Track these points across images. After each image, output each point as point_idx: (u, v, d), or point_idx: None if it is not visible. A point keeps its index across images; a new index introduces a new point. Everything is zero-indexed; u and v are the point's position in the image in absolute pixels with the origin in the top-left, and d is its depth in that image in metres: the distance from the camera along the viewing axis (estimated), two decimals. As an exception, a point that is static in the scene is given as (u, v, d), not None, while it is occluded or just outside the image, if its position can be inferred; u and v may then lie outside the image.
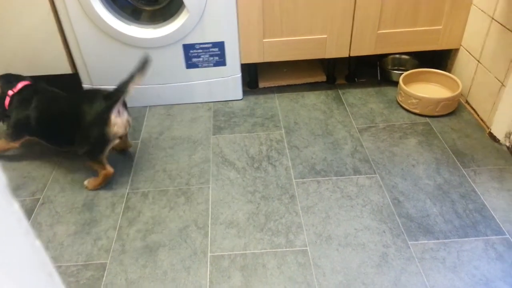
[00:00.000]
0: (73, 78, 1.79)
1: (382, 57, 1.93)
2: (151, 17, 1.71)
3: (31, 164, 1.53)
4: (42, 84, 1.49)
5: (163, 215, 1.32)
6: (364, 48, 1.77)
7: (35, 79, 1.53)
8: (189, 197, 1.38)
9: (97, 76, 1.76)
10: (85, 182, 1.43)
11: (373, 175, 1.42)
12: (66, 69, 1.77)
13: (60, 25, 1.66)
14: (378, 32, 1.73)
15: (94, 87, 1.78)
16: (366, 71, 1.97)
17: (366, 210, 1.30)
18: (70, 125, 1.35)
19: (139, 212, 1.33)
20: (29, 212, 1.35)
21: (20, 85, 1.44)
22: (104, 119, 1.30)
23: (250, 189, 1.40)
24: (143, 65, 1.32)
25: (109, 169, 1.40)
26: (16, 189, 1.44)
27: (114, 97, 1.31)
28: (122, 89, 1.30)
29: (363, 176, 1.42)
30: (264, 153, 1.55)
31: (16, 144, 1.48)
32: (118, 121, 1.33)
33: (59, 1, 1.57)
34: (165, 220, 1.30)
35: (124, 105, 1.38)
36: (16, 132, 1.45)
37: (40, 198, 1.40)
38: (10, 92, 1.43)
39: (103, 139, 1.33)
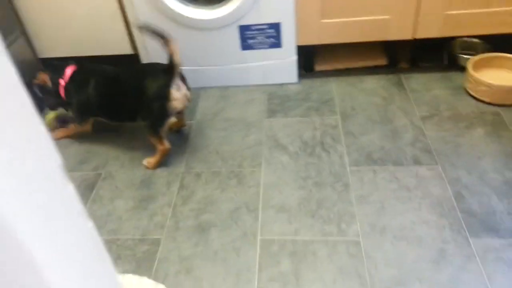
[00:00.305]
0: (127, 60, 1.84)
1: (450, 40, 1.79)
2: (208, -2, 1.71)
3: (95, 140, 1.61)
4: (89, 65, 1.51)
5: (215, 196, 1.34)
6: (431, 30, 1.65)
7: (79, 60, 1.54)
8: (241, 180, 1.38)
9: (156, 57, 1.80)
10: (144, 162, 1.47)
11: (434, 166, 1.35)
12: (127, 50, 1.83)
13: (122, 6, 1.70)
14: (447, 12, 1.60)
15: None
16: (431, 55, 1.84)
17: (425, 202, 1.24)
18: (132, 100, 1.39)
19: (193, 192, 1.36)
20: (92, 186, 1.42)
21: (68, 70, 1.47)
22: (165, 94, 1.33)
23: (303, 174, 1.38)
24: (154, 31, 1.29)
25: (167, 145, 1.44)
26: (80, 163, 1.52)
27: (170, 71, 1.33)
28: (172, 62, 1.32)
29: (424, 166, 1.35)
30: (318, 138, 1.51)
31: (86, 127, 1.56)
32: (177, 95, 1.36)
33: (122, -18, 1.62)
34: (217, 201, 1.32)
35: (183, 79, 1.40)
36: (80, 115, 1.53)
37: (102, 173, 1.48)
38: (62, 81, 1.46)
39: (164, 113, 1.37)
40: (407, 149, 1.42)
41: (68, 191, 0.39)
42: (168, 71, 1.33)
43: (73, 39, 1.80)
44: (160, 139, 1.42)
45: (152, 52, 1.79)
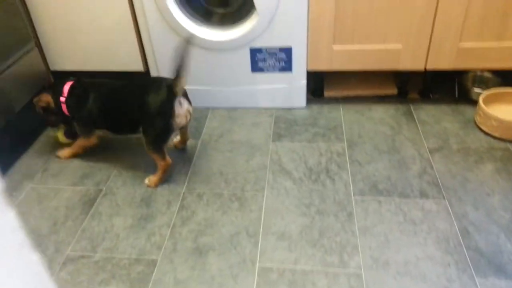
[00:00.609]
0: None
1: (462, 73, 1.78)
2: (221, 19, 1.72)
3: (98, 156, 1.60)
4: (85, 79, 1.52)
5: (215, 219, 1.31)
6: (443, 62, 1.65)
7: (91, 75, 1.53)
8: (243, 203, 1.36)
9: (166, 75, 1.81)
10: (146, 181, 1.46)
11: (441, 201, 1.31)
12: (139, 67, 1.84)
13: (136, 23, 1.73)
14: (460, 45, 1.60)
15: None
16: (442, 87, 1.83)
17: (430, 237, 1.20)
18: (134, 113, 1.38)
19: (193, 213, 1.34)
20: (92, 201, 1.41)
21: (66, 87, 1.48)
22: (167, 110, 1.33)
23: (306, 201, 1.35)
24: (186, 47, 1.29)
25: (168, 160, 1.43)
26: (82, 178, 1.51)
27: (174, 87, 1.32)
28: (177, 78, 1.31)
29: (430, 200, 1.32)
30: (323, 165, 1.49)
31: (93, 140, 1.55)
32: (180, 111, 1.36)
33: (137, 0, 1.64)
34: (217, 224, 1.30)
35: (185, 95, 1.40)
36: (85, 128, 1.53)
37: (103, 189, 1.46)
38: (62, 99, 1.47)
39: (167, 129, 1.36)
40: (414, 181, 1.39)
41: (9, 219, 0.35)
42: (171, 87, 1.33)
43: (86, 54, 1.82)
44: (162, 154, 1.41)
45: (162, 71, 1.80)
